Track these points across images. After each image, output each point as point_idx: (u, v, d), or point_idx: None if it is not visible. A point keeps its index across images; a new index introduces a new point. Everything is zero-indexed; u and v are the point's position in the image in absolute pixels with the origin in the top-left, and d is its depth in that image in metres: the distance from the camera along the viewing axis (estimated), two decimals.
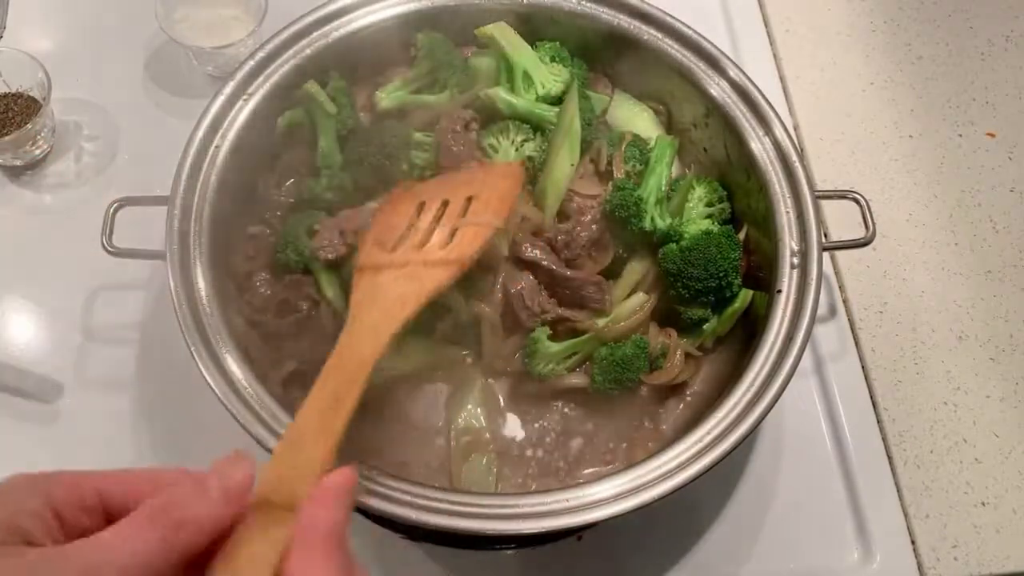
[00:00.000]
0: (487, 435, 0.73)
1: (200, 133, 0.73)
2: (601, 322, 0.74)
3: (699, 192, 0.79)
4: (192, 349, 0.64)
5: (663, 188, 0.77)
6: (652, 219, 0.75)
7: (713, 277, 0.73)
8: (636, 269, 0.77)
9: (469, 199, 0.70)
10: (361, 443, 0.71)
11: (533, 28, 0.82)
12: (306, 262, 0.75)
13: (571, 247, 0.75)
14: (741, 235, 0.77)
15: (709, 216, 0.79)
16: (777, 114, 0.77)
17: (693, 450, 0.63)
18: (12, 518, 0.38)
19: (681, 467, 0.62)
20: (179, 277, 0.67)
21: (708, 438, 0.64)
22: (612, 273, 0.77)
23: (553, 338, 0.74)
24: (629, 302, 0.76)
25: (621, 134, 0.81)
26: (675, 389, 0.76)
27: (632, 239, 0.76)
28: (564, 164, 0.76)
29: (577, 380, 0.74)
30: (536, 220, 0.76)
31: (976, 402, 0.85)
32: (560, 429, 0.75)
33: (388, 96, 0.80)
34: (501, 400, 0.75)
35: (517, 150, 0.78)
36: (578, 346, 0.74)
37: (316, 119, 0.78)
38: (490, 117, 0.80)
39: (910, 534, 0.78)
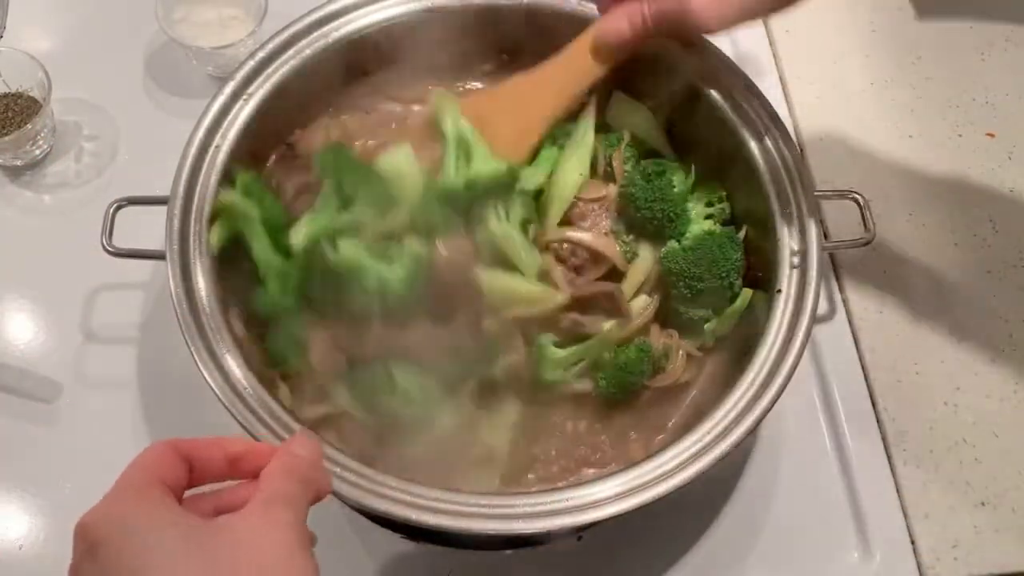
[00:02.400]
0: (493, 441, 0.73)
1: (200, 133, 0.73)
2: (606, 326, 0.74)
3: (699, 192, 0.79)
4: (192, 349, 0.65)
5: (671, 182, 0.77)
6: (660, 208, 0.75)
7: (716, 277, 0.73)
8: (640, 270, 0.76)
9: None
10: (360, 444, 0.71)
11: (533, 28, 0.82)
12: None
13: (576, 254, 0.75)
14: (741, 235, 0.77)
15: (709, 216, 0.78)
16: (777, 114, 0.77)
17: (693, 450, 0.63)
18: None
19: (681, 467, 0.62)
20: (179, 277, 0.67)
21: (708, 438, 0.64)
22: (611, 274, 0.77)
23: (558, 344, 0.73)
24: (633, 305, 0.76)
25: (620, 134, 0.81)
26: (676, 389, 0.76)
27: (637, 233, 0.76)
28: (573, 174, 0.75)
29: (581, 385, 0.75)
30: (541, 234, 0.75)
31: (976, 402, 0.84)
32: (562, 432, 0.75)
33: (302, 233, 0.69)
34: (504, 403, 0.75)
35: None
36: (584, 352, 0.73)
37: (242, 227, 0.70)
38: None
39: (910, 534, 0.78)
